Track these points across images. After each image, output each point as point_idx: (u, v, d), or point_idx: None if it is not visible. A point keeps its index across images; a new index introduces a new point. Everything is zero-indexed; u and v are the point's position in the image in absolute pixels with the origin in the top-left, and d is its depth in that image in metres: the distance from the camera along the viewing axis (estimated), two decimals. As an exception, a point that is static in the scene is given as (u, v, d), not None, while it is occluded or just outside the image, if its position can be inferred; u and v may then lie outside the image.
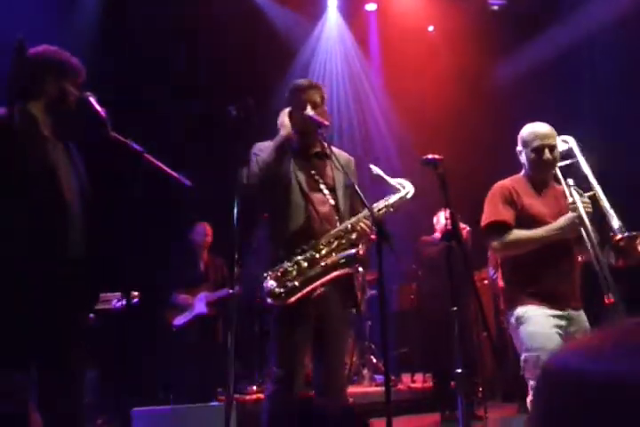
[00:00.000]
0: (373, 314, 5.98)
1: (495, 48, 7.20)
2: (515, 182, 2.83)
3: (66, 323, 2.19)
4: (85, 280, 2.28)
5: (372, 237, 2.57)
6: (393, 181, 2.79)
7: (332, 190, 2.71)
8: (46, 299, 2.13)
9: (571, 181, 2.72)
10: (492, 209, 2.77)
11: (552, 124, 2.83)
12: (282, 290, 2.47)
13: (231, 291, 2.35)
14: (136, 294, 2.96)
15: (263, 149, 2.66)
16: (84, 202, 2.31)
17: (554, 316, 2.57)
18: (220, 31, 6.30)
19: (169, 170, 2.18)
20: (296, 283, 2.49)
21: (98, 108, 2.32)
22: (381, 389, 4.87)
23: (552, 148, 2.72)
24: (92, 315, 2.54)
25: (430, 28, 7.75)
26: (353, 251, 2.56)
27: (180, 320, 4.91)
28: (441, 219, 5.21)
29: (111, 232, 2.38)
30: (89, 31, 6.00)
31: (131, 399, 2.09)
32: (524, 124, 2.88)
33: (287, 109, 2.72)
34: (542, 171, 2.74)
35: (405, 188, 2.78)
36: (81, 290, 2.26)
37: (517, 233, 2.68)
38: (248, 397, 5.19)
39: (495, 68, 7.55)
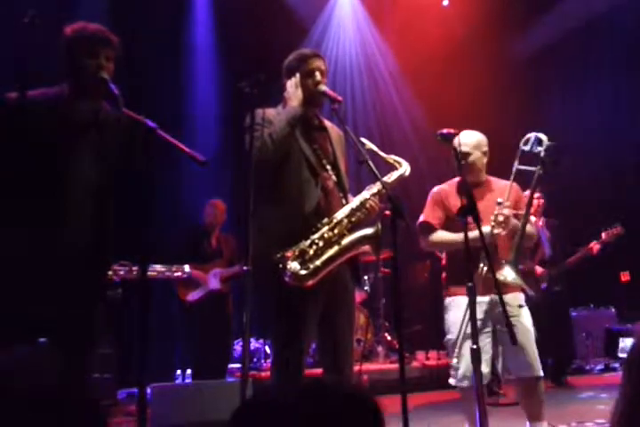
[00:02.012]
0: (388, 292, 5.98)
1: (511, 22, 7.05)
2: (448, 185, 3.20)
3: (76, 309, 2.20)
4: (93, 266, 2.28)
5: (387, 213, 2.52)
6: (388, 157, 2.71)
7: (334, 166, 2.64)
8: (53, 288, 2.13)
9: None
10: (424, 210, 3.22)
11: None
12: (305, 272, 2.39)
13: (245, 268, 2.30)
14: (187, 270, 2.96)
15: (271, 120, 2.55)
16: (96, 188, 2.29)
17: (478, 302, 2.68)
18: (232, 9, 6.24)
19: (183, 146, 2.16)
20: (318, 263, 2.40)
21: (111, 86, 2.29)
22: (396, 366, 4.89)
23: (465, 155, 3.00)
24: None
25: (445, 3, 7.60)
26: (371, 229, 2.51)
27: (193, 296, 4.92)
28: None
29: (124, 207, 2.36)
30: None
31: (148, 375, 2.11)
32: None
33: (296, 79, 2.61)
34: (465, 175, 2.75)
35: (402, 165, 2.71)
36: (89, 276, 2.26)
37: (440, 235, 3.12)
38: (264, 373, 5.25)
39: (512, 43, 7.41)
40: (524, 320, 3.05)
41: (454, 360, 3.02)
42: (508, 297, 2.88)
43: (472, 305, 2.39)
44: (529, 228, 3.11)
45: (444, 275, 3.26)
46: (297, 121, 2.56)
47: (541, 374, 3.03)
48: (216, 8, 6.82)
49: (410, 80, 7.48)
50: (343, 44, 7.58)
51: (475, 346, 2.38)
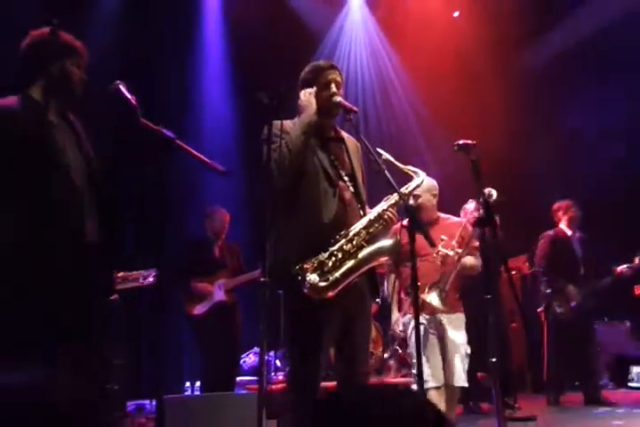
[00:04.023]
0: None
1: (523, 31, 7.06)
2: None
3: (86, 309, 2.19)
4: (100, 265, 2.27)
5: (404, 224, 2.51)
6: (404, 167, 2.70)
7: (351, 177, 2.63)
8: (64, 286, 2.12)
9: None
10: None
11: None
12: (324, 284, 2.36)
13: (263, 279, 2.29)
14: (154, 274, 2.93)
15: (288, 131, 2.54)
16: (93, 185, 2.30)
17: (428, 321, 3.58)
18: (244, 20, 6.28)
19: (202, 156, 2.15)
20: (337, 275, 2.38)
21: (128, 95, 2.30)
22: (408, 380, 4.85)
23: (416, 197, 3.34)
24: (115, 296, 2.52)
25: (456, 14, 7.62)
26: (390, 241, 2.49)
27: (199, 309, 4.86)
28: (468, 211, 5.13)
29: (125, 214, 2.36)
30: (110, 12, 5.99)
31: (162, 387, 2.08)
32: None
33: (311, 90, 2.60)
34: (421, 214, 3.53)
35: (419, 175, 2.70)
36: (97, 275, 2.25)
37: None
38: (274, 386, 5.20)
39: (523, 51, 7.41)
40: (456, 338, 3.62)
41: (414, 370, 3.55)
42: (454, 316, 3.65)
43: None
44: (469, 260, 3.62)
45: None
46: (312, 128, 2.54)
47: (465, 384, 3.61)
48: (227, 21, 6.88)
49: (421, 91, 7.49)
50: (354, 56, 7.61)
51: (494, 359, 2.39)
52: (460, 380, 3.55)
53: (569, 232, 5.40)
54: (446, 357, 3.56)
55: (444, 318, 3.63)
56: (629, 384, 6.03)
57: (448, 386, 3.55)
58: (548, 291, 5.23)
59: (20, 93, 2.29)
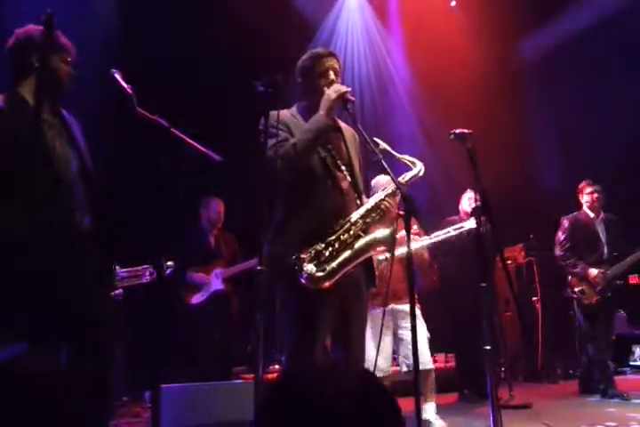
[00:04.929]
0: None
1: (520, 24, 7.03)
2: None
3: (83, 302, 2.18)
4: (96, 258, 2.27)
5: (401, 213, 2.50)
6: (402, 157, 2.69)
7: (348, 166, 2.62)
8: (59, 279, 2.12)
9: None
10: None
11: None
12: (321, 274, 2.36)
13: (259, 268, 2.28)
14: (170, 263, 2.94)
15: (287, 124, 2.54)
16: (85, 180, 2.29)
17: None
18: (240, 7, 6.23)
19: (198, 145, 2.14)
20: (334, 265, 2.38)
21: (123, 84, 2.28)
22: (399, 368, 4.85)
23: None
24: (120, 291, 2.53)
25: (453, 3, 7.59)
26: (387, 231, 2.49)
27: (197, 298, 4.88)
28: (464, 201, 5.13)
29: (121, 209, 2.36)
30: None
31: (158, 377, 2.09)
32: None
33: (338, 86, 2.53)
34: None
35: (417, 165, 2.69)
36: (92, 268, 2.25)
37: None
38: (270, 375, 5.23)
39: (520, 43, 7.39)
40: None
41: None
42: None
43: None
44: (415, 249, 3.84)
45: None
46: (324, 134, 2.52)
47: (430, 366, 3.93)
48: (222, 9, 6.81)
49: (418, 80, 7.47)
50: (351, 45, 7.56)
51: (488, 347, 2.43)
52: (428, 363, 3.92)
53: (591, 214, 5.13)
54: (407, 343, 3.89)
55: (399, 307, 3.97)
56: (631, 363, 6.05)
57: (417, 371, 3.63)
58: (570, 278, 5.02)
59: (7, 91, 2.28)
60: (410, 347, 3.62)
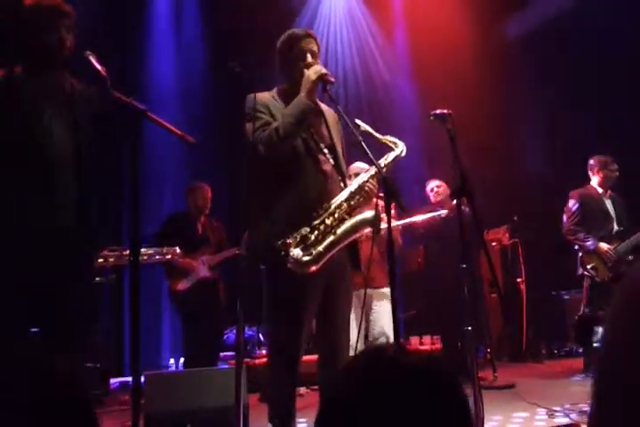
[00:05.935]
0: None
1: (504, 3, 6.99)
2: None
3: (61, 293, 2.17)
4: (77, 247, 2.24)
5: (381, 195, 2.48)
6: (383, 138, 2.66)
7: (331, 149, 2.60)
8: (34, 269, 2.10)
9: None
10: None
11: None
12: (308, 258, 2.35)
13: (238, 251, 2.28)
14: (178, 251, 2.90)
15: (268, 106, 2.51)
16: (79, 161, 2.25)
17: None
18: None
19: (173, 127, 2.10)
20: (320, 249, 2.36)
21: (98, 66, 2.23)
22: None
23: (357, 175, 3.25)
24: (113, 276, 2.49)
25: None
26: (371, 213, 2.48)
27: (183, 285, 4.85)
28: (428, 189, 5.11)
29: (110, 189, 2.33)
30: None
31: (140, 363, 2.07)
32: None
33: (318, 67, 2.50)
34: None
35: (398, 146, 2.66)
36: (73, 258, 2.22)
37: None
38: (257, 360, 5.24)
39: (504, 23, 7.35)
40: (382, 309, 4.22)
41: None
42: (381, 290, 4.23)
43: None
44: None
45: None
46: (306, 116, 2.49)
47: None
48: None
49: (401, 61, 7.42)
50: (334, 26, 7.49)
51: (469, 328, 2.43)
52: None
53: (600, 190, 4.99)
54: (380, 323, 4.21)
55: (371, 292, 4.14)
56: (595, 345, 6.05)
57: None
58: (580, 255, 4.88)
59: (5, 68, 2.24)
60: (379, 325, 4.20)
